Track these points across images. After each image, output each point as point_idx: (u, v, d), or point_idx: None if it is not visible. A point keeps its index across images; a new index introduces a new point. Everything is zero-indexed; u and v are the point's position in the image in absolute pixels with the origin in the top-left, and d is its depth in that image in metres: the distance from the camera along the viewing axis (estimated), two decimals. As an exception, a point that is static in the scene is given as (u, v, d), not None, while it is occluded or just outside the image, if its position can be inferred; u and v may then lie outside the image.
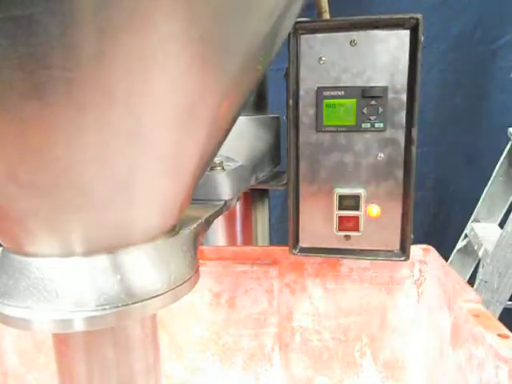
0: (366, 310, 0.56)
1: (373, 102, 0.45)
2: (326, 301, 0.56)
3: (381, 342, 0.57)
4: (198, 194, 0.42)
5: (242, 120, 0.55)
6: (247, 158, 0.52)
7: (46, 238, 0.28)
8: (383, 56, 0.45)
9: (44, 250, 0.28)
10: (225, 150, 0.48)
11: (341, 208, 0.46)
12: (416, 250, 0.54)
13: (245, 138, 0.55)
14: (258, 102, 0.60)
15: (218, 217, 0.41)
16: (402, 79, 0.45)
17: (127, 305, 0.28)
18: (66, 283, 0.28)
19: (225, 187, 0.44)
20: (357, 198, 0.46)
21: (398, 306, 0.56)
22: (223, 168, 0.45)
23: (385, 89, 0.45)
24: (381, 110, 0.45)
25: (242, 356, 0.59)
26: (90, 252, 0.28)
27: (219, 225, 0.60)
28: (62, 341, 0.33)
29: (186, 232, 0.34)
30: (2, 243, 0.30)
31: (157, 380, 0.37)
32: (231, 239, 0.61)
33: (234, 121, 0.32)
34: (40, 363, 0.63)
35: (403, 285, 0.56)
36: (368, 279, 0.56)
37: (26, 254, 0.29)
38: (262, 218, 0.62)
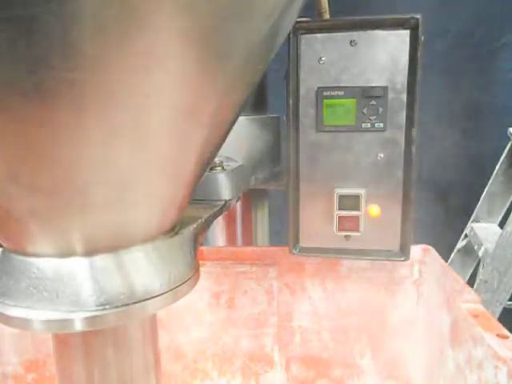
0: (365, 310, 0.56)
1: (373, 102, 0.45)
2: (326, 301, 0.56)
3: (380, 342, 0.57)
4: (198, 193, 0.42)
5: (242, 120, 0.55)
6: (247, 158, 0.52)
7: (46, 238, 0.28)
8: (383, 56, 0.45)
9: (44, 250, 0.28)
10: (225, 150, 0.48)
11: (341, 208, 0.46)
12: (416, 250, 0.54)
13: (245, 139, 0.55)
14: (258, 103, 0.60)
15: (217, 217, 0.41)
16: (402, 79, 0.45)
17: (127, 305, 0.28)
18: (66, 283, 0.28)
19: (225, 187, 0.44)
20: (357, 197, 0.46)
21: (398, 306, 0.56)
22: (223, 168, 0.45)
23: (385, 89, 0.45)
24: (381, 109, 0.45)
25: (241, 356, 0.59)
26: (89, 252, 0.28)
27: (219, 225, 0.60)
28: (61, 341, 0.33)
29: (186, 232, 0.34)
30: (3, 243, 0.30)
31: (157, 380, 0.37)
32: (231, 239, 0.61)
33: (234, 121, 0.32)
34: (39, 363, 0.63)
35: (403, 285, 0.56)
36: (368, 279, 0.56)
37: (27, 254, 0.29)
38: (261, 218, 0.62)
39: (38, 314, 0.28)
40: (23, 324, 0.28)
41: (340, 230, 0.47)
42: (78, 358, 0.33)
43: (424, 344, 0.55)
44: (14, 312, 0.28)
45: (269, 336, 0.58)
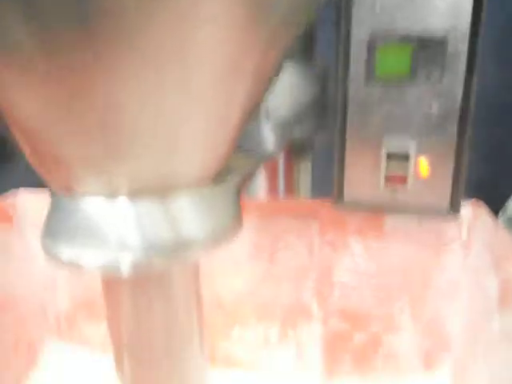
0: (408, 270, 0.55)
1: (430, 50, 0.42)
2: (368, 258, 0.56)
3: (422, 303, 0.56)
4: (242, 144, 0.42)
5: (288, 68, 0.52)
6: (292, 108, 0.50)
7: (92, 181, 0.28)
8: (443, 0, 0.41)
9: (90, 190, 0.29)
10: (270, 101, 0.47)
11: (389, 162, 0.44)
12: (465, 207, 0.52)
13: (290, 88, 0.53)
14: (305, 50, 0.57)
15: (260, 166, 0.41)
16: (463, 26, 0.42)
17: (171, 251, 0.29)
18: (113, 227, 0.28)
19: (269, 138, 0.43)
20: (406, 151, 0.44)
21: (443, 266, 0.55)
22: (267, 119, 0.44)
23: (444, 36, 0.42)
24: (439, 58, 0.42)
25: (280, 308, 0.60)
26: (136, 196, 0.28)
27: (261, 176, 0.59)
28: (109, 284, 0.35)
29: (230, 182, 0.34)
30: (49, 185, 0.31)
31: (199, 326, 0.38)
32: (272, 192, 0.60)
33: (278, 70, 0.31)
34: (91, 305, 0.66)
35: (450, 245, 0.54)
36: (412, 238, 0.54)
37: (73, 196, 0.29)
38: (304, 170, 0.61)
39: (86, 256, 0.29)
40: (72, 265, 0.29)
41: (387, 184, 0.45)
42: (124, 302, 0.34)
43: (468, 307, 0.53)
44: (62, 253, 0.29)
45: (308, 290, 0.58)
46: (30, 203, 0.63)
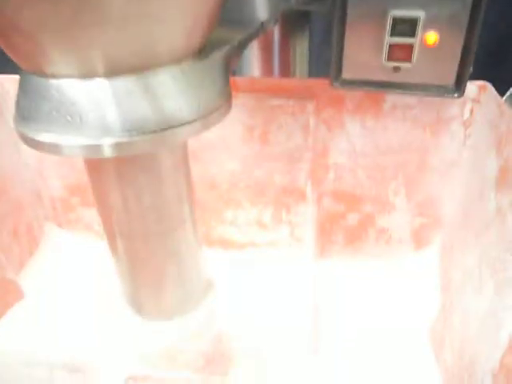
0: (406, 150, 0.54)
1: None
2: (365, 139, 0.54)
3: (417, 182, 0.56)
4: (230, 12, 0.37)
5: None
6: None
7: (62, 55, 0.25)
8: None
9: (63, 70, 0.26)
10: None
11: (393, 34, 0.40)
12: (470, 87, 0.49)
13: None
14: None
15: (252, 41, 0.37)
16: None
17: (154, 131, 0.27)
18: (90, 107, 0.26)
19: (261, 5, 0.38)
20: (414, 21, 0.39)
21: (442, 147, 0.53)
22: (259, -17, 0.39)
23: None
24: None
25: (273, 189, 0.60)
26: (111, 73, 0.26)
27: (254, 53, 0.55)
28: (93, 167, 0.33)
29: (216, 56, 0.31)
30: (19, 64, 0.28)
31: (190, 207, 0.37)
32: (267, 69, 0.56)
33: None
34: (82, 188, 0.66)
35: (450, 125, 0.52)
36: (412, 118, 0.52)
37: (45, 75, 0.27)
38: (301, 46, 0.56)
39: (64, 139, 0.27)
40: (52, 149, 0.28)
41: (390, 59, 0.41)
42: (111, 186, 0.34)
43: (464, 187, 0.53)
44: (40, 136, 0.28)
45: (302, 171, 0.57)
46: (10, 88, 0.59)
